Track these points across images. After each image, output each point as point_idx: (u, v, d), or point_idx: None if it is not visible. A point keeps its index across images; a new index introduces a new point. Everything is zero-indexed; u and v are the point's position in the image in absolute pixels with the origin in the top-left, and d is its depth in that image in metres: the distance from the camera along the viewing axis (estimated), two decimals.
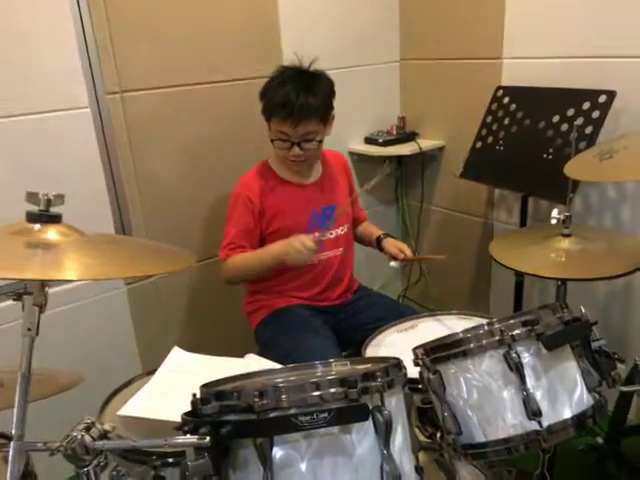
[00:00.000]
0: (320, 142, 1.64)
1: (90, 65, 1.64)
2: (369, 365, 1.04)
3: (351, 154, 2.34)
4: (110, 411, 1.19)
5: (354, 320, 1.76)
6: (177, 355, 1.38)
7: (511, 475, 1.43)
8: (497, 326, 1.00)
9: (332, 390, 0.82)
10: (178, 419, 0.91)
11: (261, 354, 1.40)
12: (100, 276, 0.70)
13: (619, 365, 1.06)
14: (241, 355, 1.37)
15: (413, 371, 1.03)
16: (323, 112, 1.60)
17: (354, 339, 1.64)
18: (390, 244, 1.76)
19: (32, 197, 0.77)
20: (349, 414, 0.81)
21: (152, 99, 1.78)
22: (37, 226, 0.77)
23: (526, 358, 0.96)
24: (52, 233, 0.77)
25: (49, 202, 0.77)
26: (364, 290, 1.91)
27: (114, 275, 0.74)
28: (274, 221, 1.68)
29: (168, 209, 1.90)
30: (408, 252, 1.71)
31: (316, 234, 1.55)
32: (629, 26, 1.65)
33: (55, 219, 0.78)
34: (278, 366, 1.23)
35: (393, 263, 1.71)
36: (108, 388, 1.25)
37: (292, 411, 0.81)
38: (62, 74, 1.60)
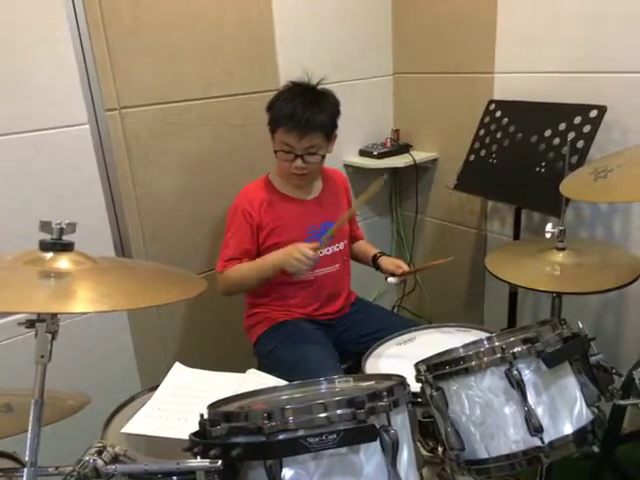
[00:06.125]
0: (322, 157, 1.66)
1: (89, 82, 1.65)
2: (372, 382, 1.06)
3: (346, 167, 2.36)
4: (113, 428, 1.20)
5: (353, 332, 1.78)
6: (179, 371, 1.38)
7: None
8: (498, 343, 1.02)
9: (339, 411, 0.84)
10: (183, 437, 0.92)
11: (260, 368, 1.41)
12: (116, 307, 0.71)
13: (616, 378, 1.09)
14: (241, 370, 1.38)
15: (414, 385, 1.03)
16: (328, 128, 1.63)
17: (353, 351, 1.66)
18: (387, 262, 1.78)
19: (45, 226, 0.77)
20: (357, 435, 0.82)
21: (151, 115, 1.79)
22: (50, 254, 0.78)
23: (527, 375, 0.98)
24: (65, 261, 0.78)
25: (61, 231, 0.78)
26: (361, 302, 1.93)
27: (128, 306, 0.75)
28: (271, 236, 1.69)
29: (167, 223, 1.91)
30: (405, 267, 1.74)
31: (315, 243, 1.58)
32: (619, 42, 1.69)
33: (68, 247, 0.79)
34: (281, 382, 1.24)
35: (391, 279, 1.73)
36: (108, 405, 1.25)
37: (301, 433, 0.82)
38: (61, 91, 1.61)
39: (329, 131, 1.64)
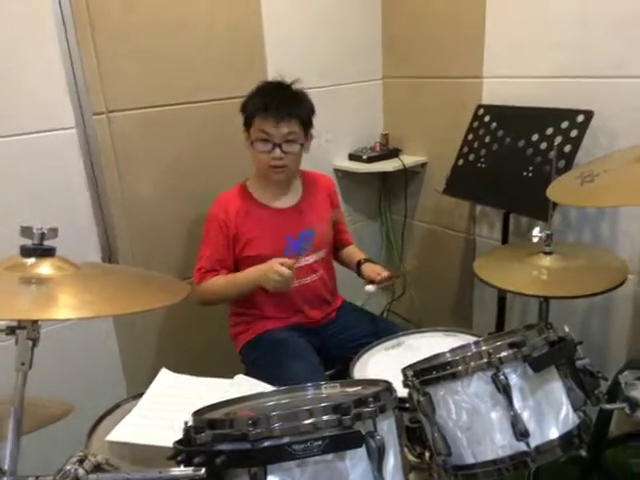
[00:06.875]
0: (301, 148, 1.63)
1: (76, 86, 1.64)
2: (359, 388, 1.05)
3: (335, 171, 2.36)
4: (98, 437, 1.18)
5: (340, 338, 1.76)
6: (166, 377, 1.37)
7: None
8: (484, 348, 1.02)
9: (325, 417, 0.83)
10: (169, 444, 0.91)
11: (247, 375, 1.40)
12: (99, 313, 0.70)
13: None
14: (229, 375, 1.37)
15: (401, 390, 1.03)
16: (305, 119, 1.61)
17: (341, 356, 1.64)
18: (368, 269, 1.73)
19: (26, 231, 0.76)
20: (343, 442, 0.82)
21: (138, 119, 1.78)
22: (31, 260, 0.77)
23: (513, 379, 0.98)
24: (46, 267, 0.77)
25: (43, 236, 0.77)
26: (349, 306, 1.90)
27: (111, 312, 0.74)
28: (248, 247, 1.66)
29: (154, 227, 1.90)
30: (384, 273, 1.68)
31: (290, 260, 1.53)
32: (606, 47, 1.70)
33: (49, 252, 0.78)
34: (269, 388, 1.23)
35: (369, 287, 1.66)
36: (93, 412, 1.23)
37: (286, 440, 0.81)
38: (48, 95, 1.60)
39: (306, 122, 1.62)
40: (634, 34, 1.63)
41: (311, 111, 1.65)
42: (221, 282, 1.65)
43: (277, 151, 1.58)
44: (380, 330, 1.67)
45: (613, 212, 1.81)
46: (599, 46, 1.72)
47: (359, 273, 1.78)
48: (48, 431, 1.15)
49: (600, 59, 1.73)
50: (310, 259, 1.74)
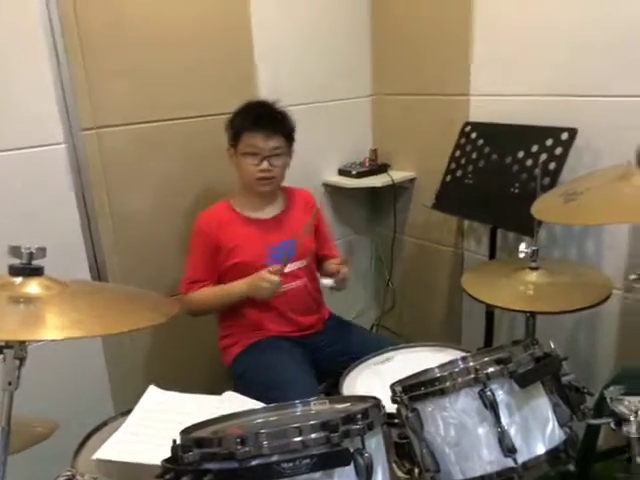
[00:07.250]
0: (286, 160, 1.73)
1: (65, 101, 1.65)
2: (348, 404, 1.06)
3: (325, 186, 2.38)
4: (85, 455, 1.17)
5: (329, 351, 1.76)
6: (153, 394, 1.36)
7: None
8: (472, 364, 1.03)
9: (313, 435, 0.83)
10: (156, 462, 0.91)
11: (236, 389, 1.40)
12: (87, 333, 0.70)
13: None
14: (218, 391, 1.36)
15: (390, 406, 1.04)
16: (289, 134, 1.73)
17: (331, 369, 1.64)
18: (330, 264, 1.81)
19: (14, 250, 0.76)
20: (331, 460, 0.82)
21: (127, 135, 1.79)
22: (19, 279, 0.77)
23: (500, 396, 0.98)
24: (34, 286, 0.77)
25: (31, 255, 0.77)
26: (336, 319, 1.91)
27: (99, 332, 0.74)
28: (231, 256, 1.71)
29: (142, 244, 1.90)
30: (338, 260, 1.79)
31: (275, 266, 1.61)
32: (590, 66, 1.74)
33: (37, 272, 0.78)
34: (258, 404, 1.23)
35: (324, 281, 1.75)
36: (81, 430, 1.22)
37: (274, 458, 0.81)
38: (37, 110, 1.60)
39: (290, 138, 1.73)
40: (618, 56, 1.67)
41: (293, 129, 1.75)
42: (208, 293, 1.72)
43: (265, 163, 1.68)
44: (369, 344, 1.67)
45: (598, 229, 1.84)
46: (584, 66, 1.75)
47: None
48: (34, 450, 1.13)
49: (585, 79, 1.76)
50: (293, 266, 1.77)
